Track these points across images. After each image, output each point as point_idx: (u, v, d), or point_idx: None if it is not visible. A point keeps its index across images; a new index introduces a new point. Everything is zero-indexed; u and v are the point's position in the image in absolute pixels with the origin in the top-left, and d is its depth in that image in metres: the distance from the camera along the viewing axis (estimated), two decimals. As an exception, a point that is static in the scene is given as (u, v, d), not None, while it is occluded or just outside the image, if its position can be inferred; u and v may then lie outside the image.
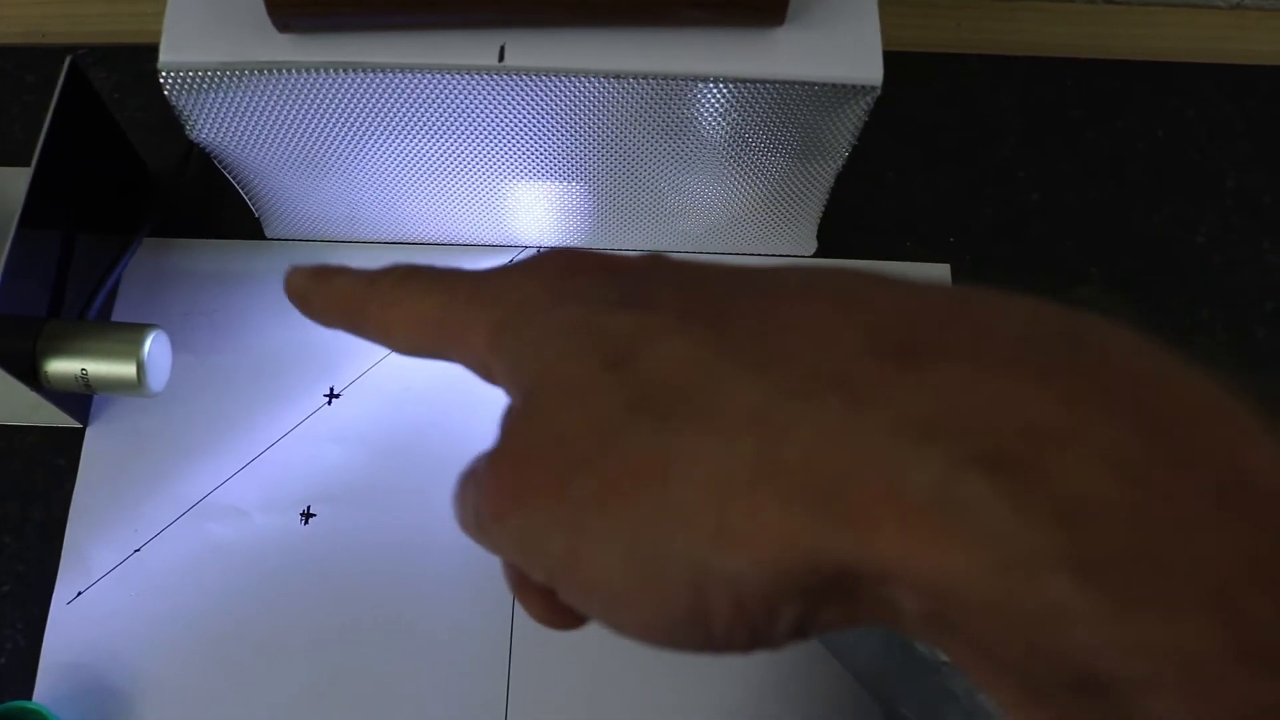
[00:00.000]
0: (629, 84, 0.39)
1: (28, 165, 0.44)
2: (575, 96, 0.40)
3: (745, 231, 0.50)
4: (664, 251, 0.51)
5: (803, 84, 0.39)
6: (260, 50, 0.39)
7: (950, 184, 0.55)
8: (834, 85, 0.39)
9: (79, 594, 0.46)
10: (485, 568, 0.46)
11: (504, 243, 0.52)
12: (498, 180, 0.46)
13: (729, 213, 0.48)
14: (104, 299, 0.48)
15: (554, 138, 0.43)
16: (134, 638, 0.45)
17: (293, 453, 0.48)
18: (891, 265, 0.52)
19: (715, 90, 0.40)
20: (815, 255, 0.52)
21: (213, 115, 0.42)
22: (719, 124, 0.41)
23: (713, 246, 0.51)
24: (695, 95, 0.40)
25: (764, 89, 0.39)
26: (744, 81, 0.39)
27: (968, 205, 0.54)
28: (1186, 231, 0.54)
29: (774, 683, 0.44)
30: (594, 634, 0.44)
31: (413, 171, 0.46)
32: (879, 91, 0.39)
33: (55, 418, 0.48)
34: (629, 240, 0.51)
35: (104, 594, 0.46)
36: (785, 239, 0.50)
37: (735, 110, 0.41)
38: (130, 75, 0.57)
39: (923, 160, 0.55)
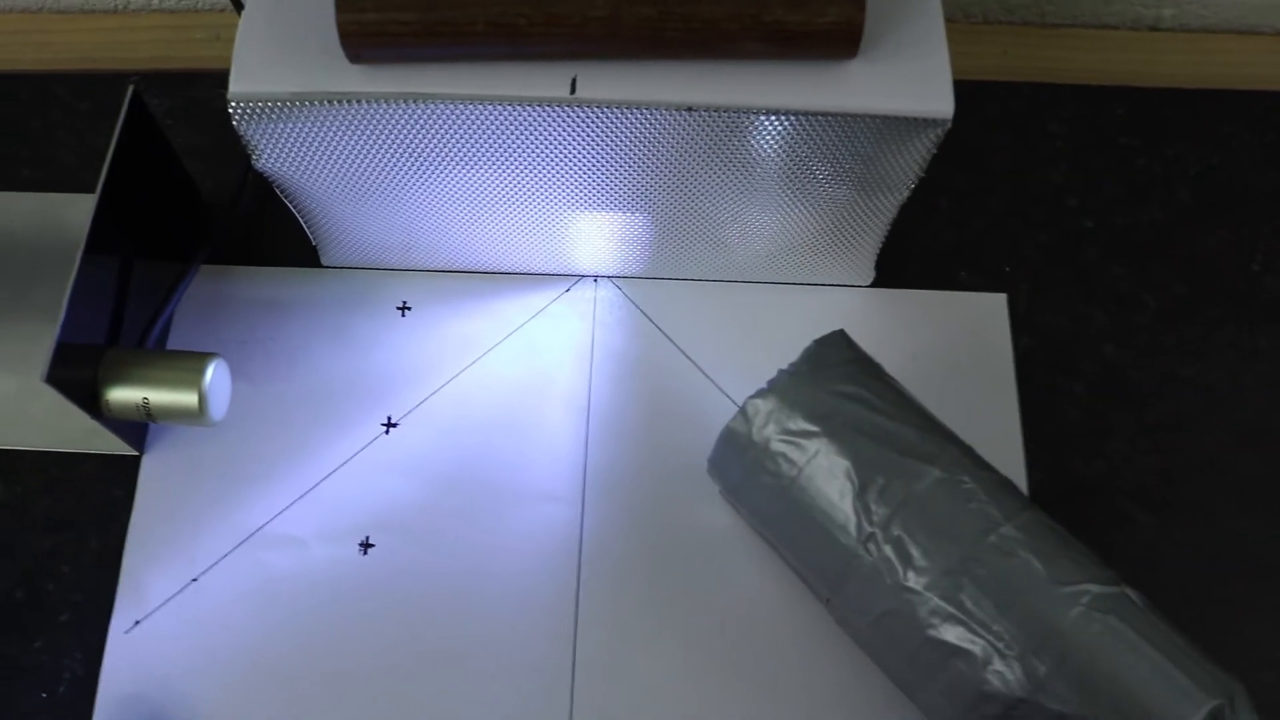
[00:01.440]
0: (700, 116, 0.39)
1: (80, 192, 0.44)
2: (645, 129, 0.40)
3: (804, 261, 0.50)
4: (721, 281, 0.51)
5: (874, 117, 0.39)
6: (331, 81, 0.39)
7: (1003, 212, 0.55)
8: (905, 118, 0.39)
9: (136, 623, 0.45)
10: (547, 596, 0.46)
11: (560, 272, 0.52)
12: (559, 211, 0.46)
13: (789, 243, 0.48)
14: (162, 327, 0.48)
15: (620, 169, 0.43)
16: (191, 668, 0.45)
17: (351, 482, 0.48)
18: (948, 295, 0.52)
19: (785, 123, 0.40)
20: (872, 285, 0.52)
21: (280, 145, 0.42)
22: (787, 156, 0.41)
23: (769, 276, 0.51)
24: (765, 128, 0.40)
25: (834, 122, 0.39)
26: (815, 115, 0.39)
27: (1021, 233, 0.54)
28: (1241, 258, 0.54)
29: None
30: (661, 664, 0.44)
31: (475, 201, 0.46)
32: (950, 124, 0.39)
33: (112, 445, 0.47)
34: (686, 269, 0.51)
35: (161, 623, 0.45)
36: (844, 269, 0.50)
37: (804, 143, 0.41)
38: (182, 102, 0.57)
39: (975, 188, 0.55)
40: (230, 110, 0.40)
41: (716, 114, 0.39)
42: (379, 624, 0.45)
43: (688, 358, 0.50)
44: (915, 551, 0.38)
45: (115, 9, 0.64)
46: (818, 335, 0.43)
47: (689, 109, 0.39)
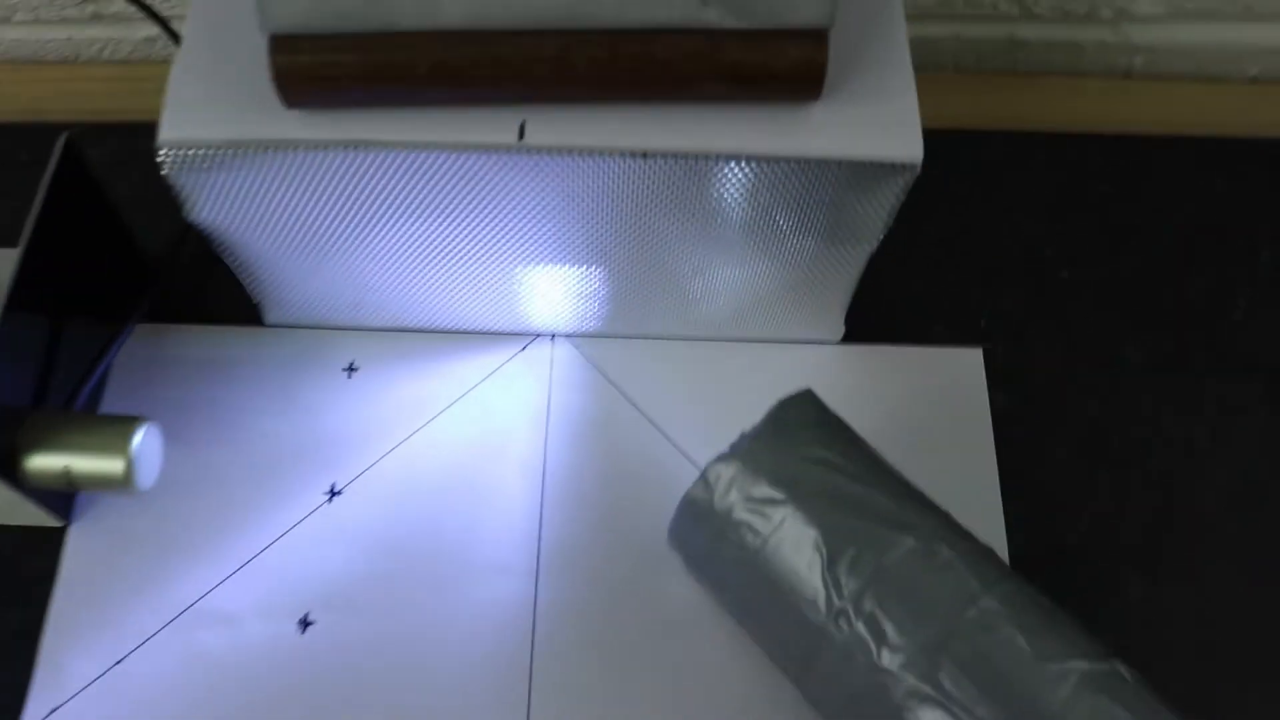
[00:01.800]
0: (656, 163, 0.37)
1: (12, 246, 0.42)
2: (598, 176, 0.38)
3: (770, 317, 0.47)
4: (683, 338, 0.49)
5: (840, 162, 0.37)
6: (266, 128, 0.37)
7: (977, 263, 0.53)
8: (872, 164, 0.37)
9: (53, 710, 0.42)
10: (498, 676, 0.43)
11: (517, 330, 0.49)
12: (512, 264, 0.44)
13: (753, 298, 0.46)
14: (92, 387, 0.46)
15: (574, 219, 0.41)
16: (114, 759, 0.41)
17: (291, 554, 0.45)
18: (921, 350, 0.50)
19: (746, 169, 0.38)
20: (842, 341, 0.49)
21: (214, 196, 0.40)
22: (748, 205, 0.39)
23: (734, 333, 0.49)
24: (724, 174, 0.38)
25: (798, 167, 0.37)
26: (777, 160, 0.37)
27: (996, 284, 0.52)
28: (1223, 306, 0.52)
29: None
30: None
31: (424, 254, 0.43)
32: (919, 170, 0.38)
33: (34, 516, 0.44)
34: (646, 326, 0.49)
35: (81, 711, 0.42)
36: (812, 324, 0.48)
37: (766, 190, 0.39)
38: (124, 152, 0.54)
39: (948, 238, 0.53)
40: (159, 160, 0.38)
41: (672, 160, 0.37)
42: (319, 709, 0.42)
43: (648, 419, 0.48)
44: (889, 628, 0.36)
45: (66, 60, 0.62)
46: (786, 394, 0.41)
47: (643, 154, 0.37)
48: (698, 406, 0.48)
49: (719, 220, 0.40)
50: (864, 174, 0.38)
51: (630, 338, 0.49)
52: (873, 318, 0.50)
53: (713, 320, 0.48)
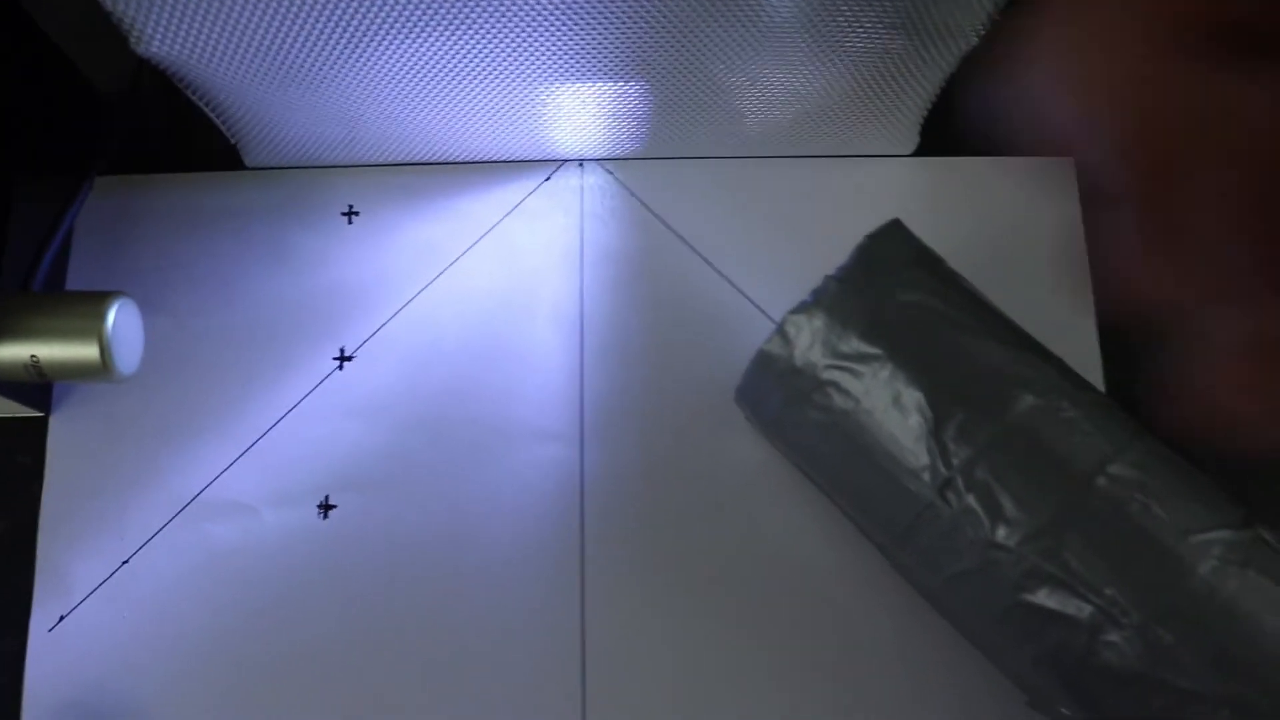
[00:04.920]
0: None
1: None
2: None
3: (835, 131, 0.41)
4: (732, 156, 0.43)
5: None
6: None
7: (1066, 53, 0.45)
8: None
9: (61, 619, 0.38)
10: (545, 555, 0.39)
11: (538, 157, 0.43)
12: (533, 83, 0.37)
13: (819, 110, 0.39)
14: (53, 259, 0.39)
15: (612, 25, 0.33)
16: (131, 665, 0.37)
17: (303, 431, 0.40)
18: (1005, 162, 0.43)
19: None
20: (915, 154, 0.43)
21: (168, 22, 0.32)
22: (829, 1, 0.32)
23: (790, 149, 0.42)
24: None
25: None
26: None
27: (1089, 79, 0.45)
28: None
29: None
30: (687, 630, 0.37)
31: (430, 77, 0.36)
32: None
33: (8, 406, 0.39)
34: (689, 146, 0.42)
35: (91, 616, 0.38)
36: (882, 137, 0.41)
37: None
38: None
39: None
40: (87, -23, 0.30)
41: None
42: (348, 598, 0.38)
43: (698, 253, 0.42)
44: (1006, 500, 0.31)
45: None
46: (853, 217, 0.35)
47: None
48: (755, 235, 0.41)
49: (790, 21, 0.33)
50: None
51: (672, 159, 0.43)
52: (952, 124, 0.43)
53: (767, 136, 0.41)
